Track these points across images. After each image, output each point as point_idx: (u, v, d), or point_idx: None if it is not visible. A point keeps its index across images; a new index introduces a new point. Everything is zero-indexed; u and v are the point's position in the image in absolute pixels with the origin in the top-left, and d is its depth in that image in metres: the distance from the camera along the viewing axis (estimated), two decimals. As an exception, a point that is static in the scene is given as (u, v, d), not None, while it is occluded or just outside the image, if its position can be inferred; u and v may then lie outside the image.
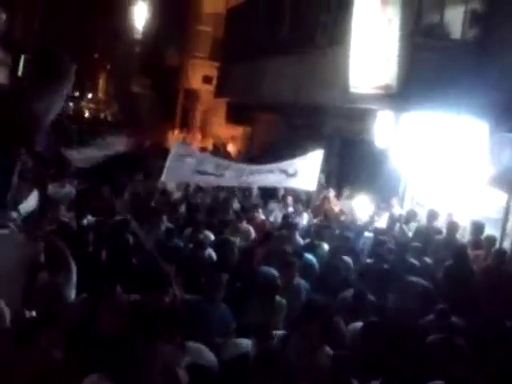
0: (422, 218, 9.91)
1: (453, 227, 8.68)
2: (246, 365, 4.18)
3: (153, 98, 29.68)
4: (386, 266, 7.29)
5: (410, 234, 9.20)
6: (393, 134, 11.03)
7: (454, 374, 4.44)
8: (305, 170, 9.70)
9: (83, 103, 46.80)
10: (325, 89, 12.64)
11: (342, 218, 10.04)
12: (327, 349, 4.80)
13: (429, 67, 9.23)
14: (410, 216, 9.78)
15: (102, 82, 53.41)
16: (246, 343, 4.75)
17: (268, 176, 9.61)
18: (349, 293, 6.38)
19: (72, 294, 5.34)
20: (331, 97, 12.33)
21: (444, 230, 8.98)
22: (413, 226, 9.54)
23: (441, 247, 8.40)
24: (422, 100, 9.22)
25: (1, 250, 4.86)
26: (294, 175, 9.66)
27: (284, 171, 9.60)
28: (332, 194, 11.32)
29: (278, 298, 5.84)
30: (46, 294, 4.98)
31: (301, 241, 8.48)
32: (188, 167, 9.23)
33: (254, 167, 9.69)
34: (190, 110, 26.75)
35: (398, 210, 10.35)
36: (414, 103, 9.71)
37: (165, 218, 8.39)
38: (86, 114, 41.47)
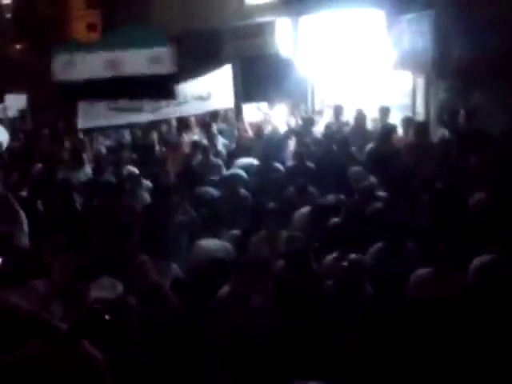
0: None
1: (360, 116, 8.78)
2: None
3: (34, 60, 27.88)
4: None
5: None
6: (294, 40, 11.15)
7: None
8: (217, 89, 9.49)
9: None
10: (219, 9, 12.48)
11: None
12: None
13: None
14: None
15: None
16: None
17: (184, 106, 9.45)
18: (290, 190, 6.90)
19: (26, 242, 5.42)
20: (226, 16, 12.21)
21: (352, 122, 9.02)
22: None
23: (351, 136, 8.45)
24: (317, 0, 9.37)
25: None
26: (208, 98, 9.51)
27: (199, 97, 9.45)
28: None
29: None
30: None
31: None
32: (101, 107, 9.02)
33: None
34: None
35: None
36: (309, 5, 9.85)
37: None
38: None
